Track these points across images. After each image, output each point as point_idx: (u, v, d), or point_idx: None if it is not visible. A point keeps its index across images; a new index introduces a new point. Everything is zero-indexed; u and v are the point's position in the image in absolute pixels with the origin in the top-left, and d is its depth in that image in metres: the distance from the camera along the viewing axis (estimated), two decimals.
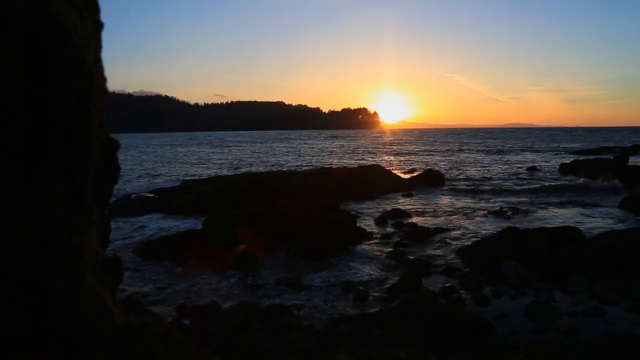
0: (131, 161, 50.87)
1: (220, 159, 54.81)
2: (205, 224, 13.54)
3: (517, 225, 12.65)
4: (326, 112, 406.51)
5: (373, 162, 40.19)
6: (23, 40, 2.03)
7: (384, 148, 77.60)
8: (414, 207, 19.43)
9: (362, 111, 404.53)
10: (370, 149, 74.13)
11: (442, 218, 17.11)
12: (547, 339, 6.95)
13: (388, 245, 12.94)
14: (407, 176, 30.23)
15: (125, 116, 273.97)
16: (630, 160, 29.62)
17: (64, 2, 2.15)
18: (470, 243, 12.38)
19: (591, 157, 37.53)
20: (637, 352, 6.02)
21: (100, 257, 2.60)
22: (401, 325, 6.88)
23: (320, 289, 9.54)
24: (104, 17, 2.61)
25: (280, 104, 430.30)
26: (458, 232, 14.53)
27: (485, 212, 18.04)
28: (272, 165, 43.94)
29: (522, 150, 61.93)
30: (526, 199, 21.33)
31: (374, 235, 14.11)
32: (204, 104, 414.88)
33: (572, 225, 12.64)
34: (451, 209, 18.91)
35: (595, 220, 16.06)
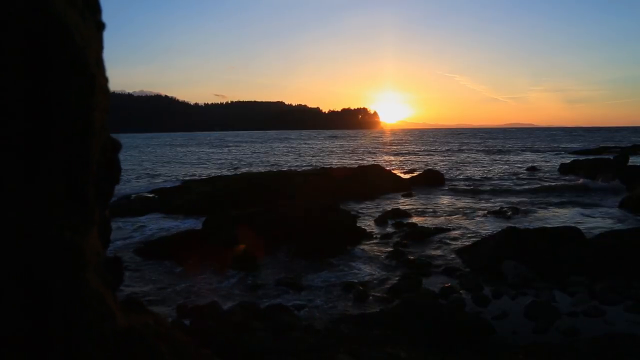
0: (131, 161, 50.84)
1: (220, 159, 54.81)
2: (205, 224, 13.54)
3: (517, 225, 12.64)
4: (326, 112, 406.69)
5: (373, 162, 40.18)
6: (23, 40, 2.03)
7: (384, 148, 77.60)
8: (414, 207, 19.43)
9: (362, 111, 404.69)
10: (370, 149, 74.12)
11: (442, 218, 17.10)
12: (547, 339, 6.95)
13: (388, 245, 12.93)
14: (407, 176, 30.23)
15: (125, 116, 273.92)
16: (630, 160, 29.62)
17: (65, 3, 2.15)
18: (470, 243, 12.38)
19: (591, 157, 37.52)
20: (637, 352, 6.02)
21: (101, 258, 2.60)
22: (401, 325, 6.88)
23: (320, 289, 9.54)
24: (103, 16, 2.61)
25: (280, 104, 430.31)
26: (458, 232, 14.53)
27: (485, 212, 18.03)
28: (272, 165, 43.93)
29: (522, 150, 61.92)
30: (526, 199, 21.33)
31: (374, 235, 14.11)
32: (204, 104, 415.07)
33: (572, 225, 12.64)
34: (451, 209, 18.90)
35: (595, 220, 16.06)
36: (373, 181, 23.46)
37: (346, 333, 6.69)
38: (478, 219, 16.89)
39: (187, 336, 3.37)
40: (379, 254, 12.11)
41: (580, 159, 35.39)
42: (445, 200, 21.38)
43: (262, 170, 35.70)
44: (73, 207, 2.28)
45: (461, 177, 31.43)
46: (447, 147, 73.21)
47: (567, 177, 28.87)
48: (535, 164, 38.35)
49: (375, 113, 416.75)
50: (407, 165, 42.56)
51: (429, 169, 31.69)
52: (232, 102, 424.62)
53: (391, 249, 12.29)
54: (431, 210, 18.82)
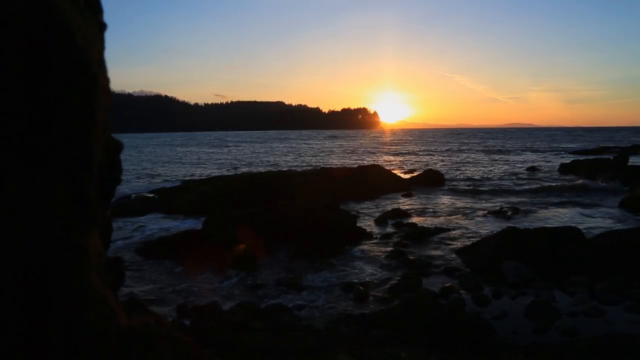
0: (131, 161, 50.82)
1: (220, 159, 54.80)
2: (205, 224, 13.54)
3: (517, 225, 12.65)
4: (326, 112, 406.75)
5: (373, 162, 40.18)
6: (23, 41, 2.03)
7: (384, 148, 77.59)
8: (414, 207, 19.42)
9: (362, 111, 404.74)
10: (370, 149, 74.11)
11: (442, 218, 17.10)
12: (547, 339, 6.95)
13: (388, 245, 12.93)
14: (407, 176, 30.22)
15: (125, 116, 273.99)
16: (630, 160, 29.65)
17: (67, 3, 2.15)
18: (470, 243, 12.38)
19: (591, 157, 37.54)
20: (637, 352, 6.02)
21: (103, 258, 2.60)
22: (401, 325, 6.88)
23: (320, 289, 9.54)
24: (104, 16, 2.61)
25: (280, 104, 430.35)
26: (458, 232, 14.53)
27: (485, 212, 18.03)
28: (272, 165, 43.92)
29: (522, 150, 61.91)
30: (526, 199, 21.33)
31: (374, 235, 14.11)
32: (204, 104, 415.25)
33: (572, 225, 12.64)
34: (451, 209, 18.90)
35: (595, 220, 16.06)
36: (373, 181, 23.45)
37: (346, 333, 6.70)
38: (478, 219, 16.89)
39: (187, 336, 3.37)
40: (379, 254, 12.11)
41: (580, 159, 35.40)
42: (445, 200, 21.38)
43: (262, 170, 35.69)
44: (75, 208, 2.28)
45: (461, 177, 31.43)
46: (447, 147, 73.20)
47: (567, 177, 28.88)
48: (535, 164, 38.36)
49: (375, 113, 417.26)
50: (407, 165, 42.57)
51: (429, 169, 31.68)
52: (232, 102, 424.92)
53: (391, 249, 12.29)
54: (431, 210, 18.81)
